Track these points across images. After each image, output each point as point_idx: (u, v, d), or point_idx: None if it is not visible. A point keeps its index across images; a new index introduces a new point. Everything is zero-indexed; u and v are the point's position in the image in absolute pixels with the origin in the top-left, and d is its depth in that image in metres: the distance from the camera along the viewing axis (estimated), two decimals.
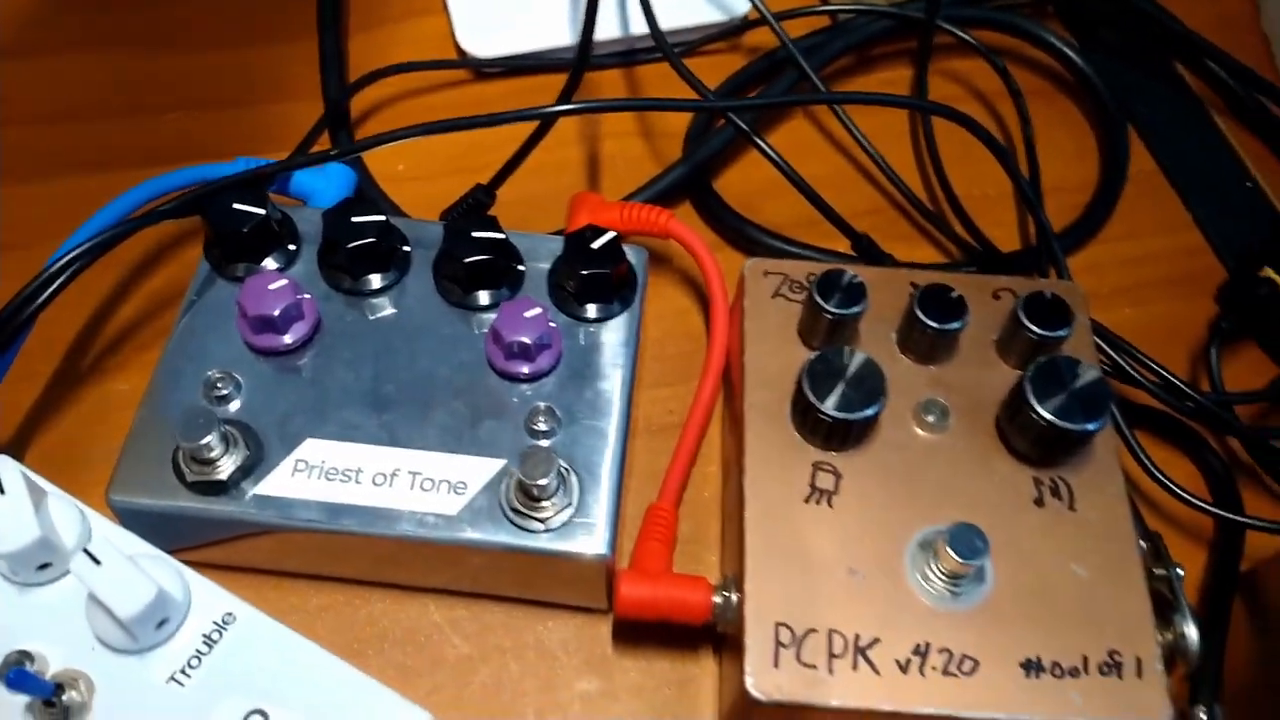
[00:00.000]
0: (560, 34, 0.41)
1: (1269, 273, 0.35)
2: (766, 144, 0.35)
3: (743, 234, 0.38)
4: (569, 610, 0.30)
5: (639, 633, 0.30)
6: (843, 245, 0.37)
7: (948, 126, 0.36)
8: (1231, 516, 0.31)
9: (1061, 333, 0.29)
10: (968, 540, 0.25)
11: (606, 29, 0.41)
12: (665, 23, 0.40)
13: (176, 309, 0.31)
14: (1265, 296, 0.35)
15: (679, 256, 0.37)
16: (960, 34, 0.41)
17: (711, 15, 0.43)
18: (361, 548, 0.28)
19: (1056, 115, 0.43)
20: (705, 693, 0.29)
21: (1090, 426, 0.27)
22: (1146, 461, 0.31)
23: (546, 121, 0.33)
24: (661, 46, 0.36)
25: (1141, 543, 0.28)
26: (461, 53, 0.42)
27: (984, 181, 0.40)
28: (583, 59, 0.33)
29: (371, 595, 0.30)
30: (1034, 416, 0.27)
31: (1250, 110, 0.43)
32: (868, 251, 0.35)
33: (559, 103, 0.33)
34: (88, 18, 0.44)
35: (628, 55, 0.42)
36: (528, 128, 0.34)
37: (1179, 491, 0.31)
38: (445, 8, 0.43)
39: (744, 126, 0.35)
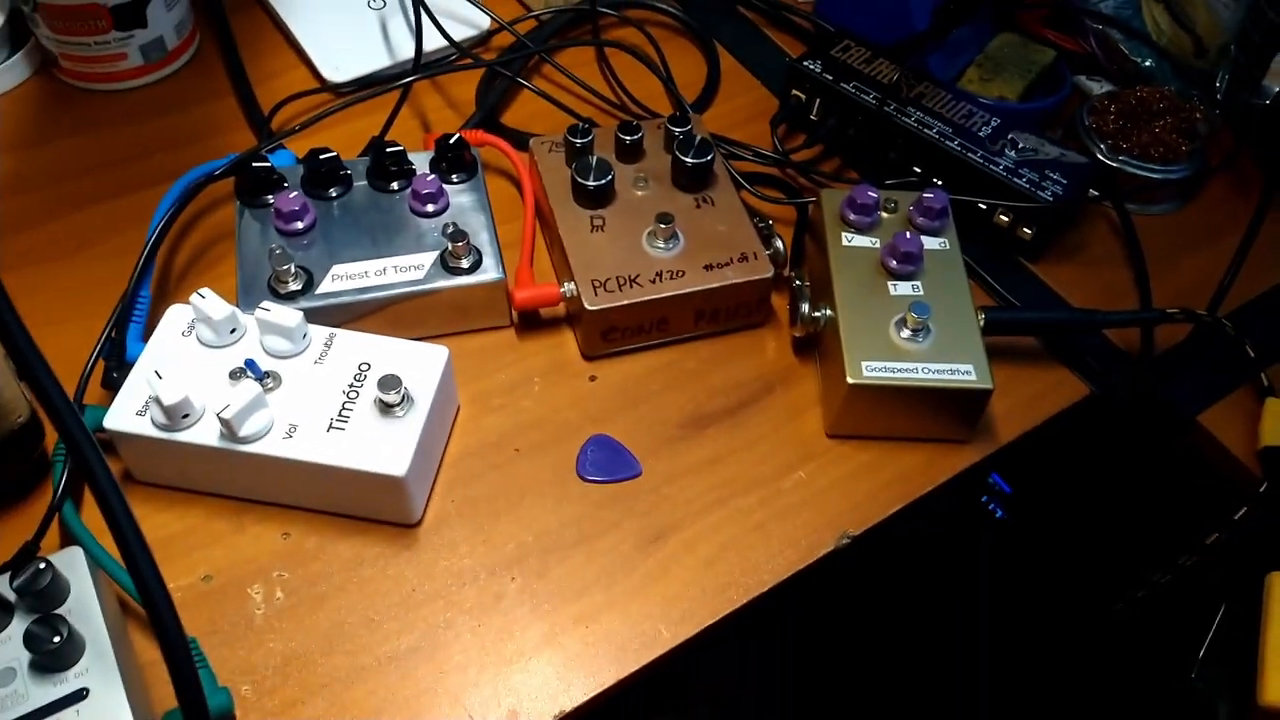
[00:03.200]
0: (382, 59, 0.68)
1: (796, 93, 0.66)
2: (528, 82, 0.64)
3: (521, 142, 0.66)
4: (489, 330, 0.57)
5: (532, 329, 0.57)
6: None
7: (623, 64, 0.66)
8: (797, 201, 0.62)
9: (686, 128, 0.59)
10: (666, 218, 0.54)
11: (399, 55, 0.68)
12: (439, 41, 0.69)
13: (220, 243, 0.55)
14: (795, 106, 0.66)
15: (496, 159, 0.65)
16: (613, 13, 0.71)
17: (468, 31, 0.71)
18: (377, 315, 0.53)
19: (681, 47, 0.74)
20: (571, 343, 0.56)
21: (703, 159, 0.56)
22: (748, 187, 0.61)
23: (405, 89, 0.60)
24: (455, 46, 0.64)
25: (754, 220, 0.59)
26: (323, 81, 0.68)
27: (649, 90, 0.70)
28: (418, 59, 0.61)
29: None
30: (682, 161, 0.57)
31: (781, 22, 0.76)
32: (591, 124, 0.64)
33: (412, 74, 0.60)
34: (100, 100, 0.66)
35: (430, 65, 0.70)
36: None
37: (770, 198, 0.62)
38: (308, 57, 0.69)
39: (511, 75, 0.63)
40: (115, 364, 0.50)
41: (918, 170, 0.63)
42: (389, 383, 0.46)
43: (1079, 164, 0.61)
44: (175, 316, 0.50)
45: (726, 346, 0.57)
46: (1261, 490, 0.52)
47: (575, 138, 0.58)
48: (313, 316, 0.51)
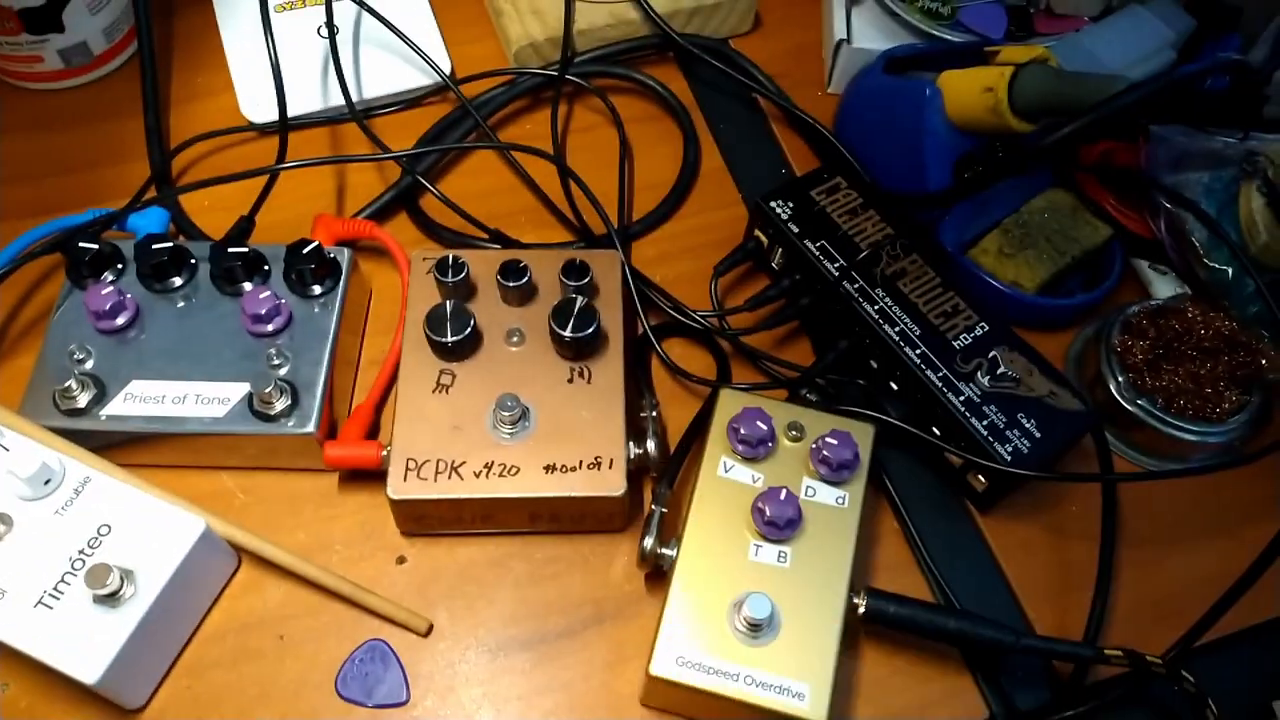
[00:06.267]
0: (314, 102, 0.60)
1: (758, 234, 0.55)
2: (431, 185, 0.55)
3: (438, 235, 0.57)
4: (309, 472, 0.50)
5: (360, 476, 0.49)
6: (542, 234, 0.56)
7: (579, 145, 0.58)
8: (702, 383, 0.51)
9: (582, 282, 0.49)
10: (509, 404, 0.46)
11: (336, 98, 0.60)
12: (387, 87, 0.60)
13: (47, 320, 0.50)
14: (753, 249, 0.55)
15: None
16: (581, 83, 0.61)
17: (421, 80, 0.62)
18: (173, 443, 0.47)
19: (662, 132, 0.63)
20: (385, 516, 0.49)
21: (582, 334, 0.47)
22: (659, 350, 0.51)
23: (273, 175, 0.53)
24: (354, 115, 0.56)
25: (641, 402, 0.49)
26: (246, 120, 0.60)
27: (608, 184, 0.59)
28: (284, 124, 0.52)
29: (191, 474, 0.49)
30: (558, 332, 0.47)
31: (800, 125, 0.63)
32: (499, 239, 0.55)
33: (276, 163, 0.52)
34: None
35: (361, 114, 0.61)
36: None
37: (681, 371, 0.52)
38: (233, 87, 0.61)
39: (414, 173, 0.54)
40: None
41: (874, 365, 0.51)
42: (97, 575, 0.40)
43: (1068, 413, 0.48)
44: None
45: (570, 550, 0.48)
46: None
47: (444, 275, 0.49)
48: (93, 438, 0.46)
